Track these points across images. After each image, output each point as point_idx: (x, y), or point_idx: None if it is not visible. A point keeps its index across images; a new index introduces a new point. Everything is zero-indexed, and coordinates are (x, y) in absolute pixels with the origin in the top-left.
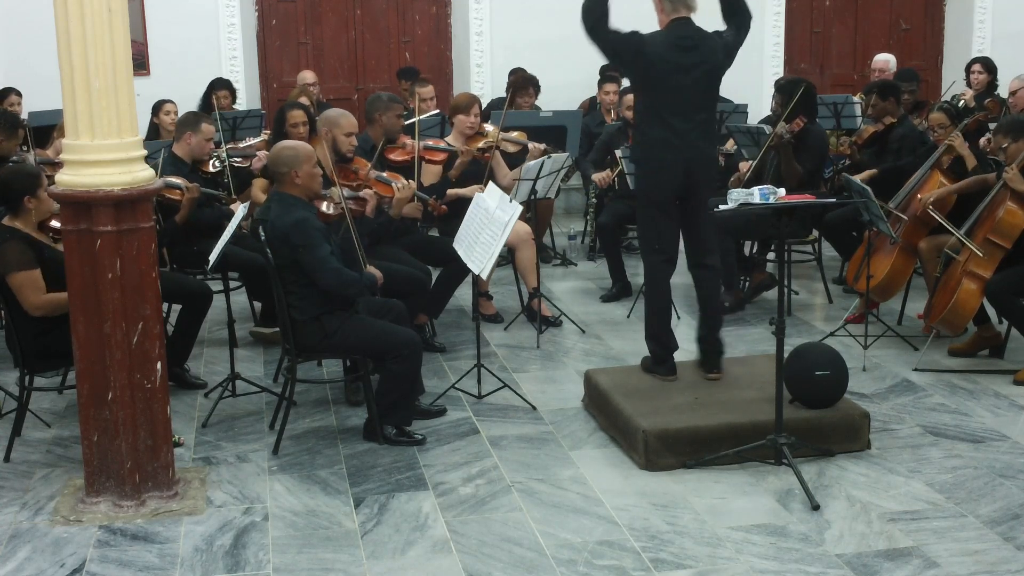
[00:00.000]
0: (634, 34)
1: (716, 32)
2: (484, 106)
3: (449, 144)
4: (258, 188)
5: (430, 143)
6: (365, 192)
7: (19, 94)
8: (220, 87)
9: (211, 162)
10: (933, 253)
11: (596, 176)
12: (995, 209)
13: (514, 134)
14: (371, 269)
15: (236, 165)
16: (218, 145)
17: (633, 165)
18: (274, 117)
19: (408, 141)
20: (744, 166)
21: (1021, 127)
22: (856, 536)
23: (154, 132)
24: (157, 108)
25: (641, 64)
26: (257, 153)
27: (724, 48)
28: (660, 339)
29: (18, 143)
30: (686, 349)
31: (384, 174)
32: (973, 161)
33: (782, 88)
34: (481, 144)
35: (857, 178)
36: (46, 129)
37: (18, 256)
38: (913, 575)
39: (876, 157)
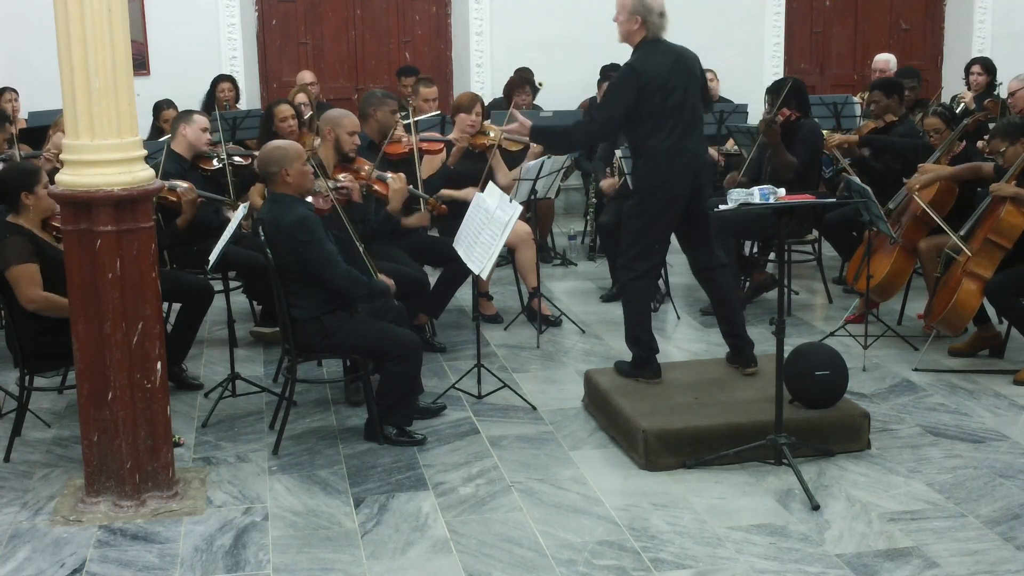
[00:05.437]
0: (629, 77)
1: (689, 50)
2: (486, 106)
3: (444, 136)
4: (256, 194)
5: (425, 135)
6: (344, 180)
7: (15, 91)
8: (222, 80)
9: (212, 160)
10: (933, 253)
11: (604, 183)
12: (995, 209)
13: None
14: (383, 278)
15: (237, 164)
16: (217, 145)
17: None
18: (262, 119)
19: (404, 135)
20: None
21: (1018, 130)
22: (856, 536)
23: (157, 135)
24: (157, 111)
25: (640, 90)
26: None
27: (698, 64)
28: (643, 342)
29: (5, 138)
30: (687, 349)
31: (386, 174)
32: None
33: (770, 88)
34: (482, 141)
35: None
36: (45, 129)
37: (17, 250)
38: (913, 575)
39: (875, 154)
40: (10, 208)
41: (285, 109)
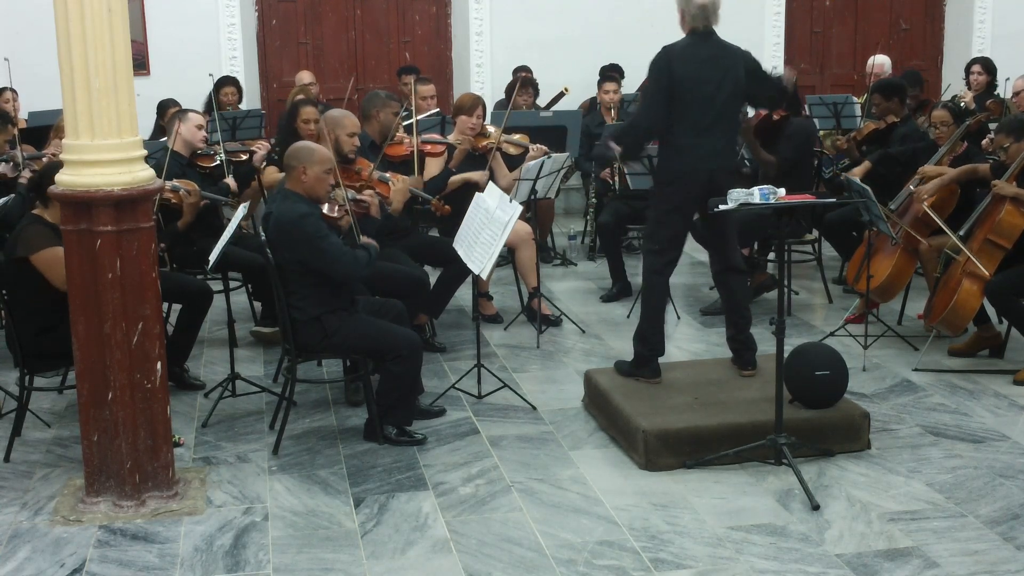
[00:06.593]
0: (662, 65)
1: (742, 50)
2: (489, 108)
3: (446, 139)
4: (271, 171)
5: (427, 137)
6: (366, 193)
7: (14, 91)
8: (226, 84)
9: (209, 157)
10: (933, 253)
11: (605, 174)
12: (995, 209)
13: (516, 136)
14: (365, 239)
15: (235, 160)
16: (215, 144)
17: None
18: (285, 113)
19: (406, 137)
20: None
21: (1022, 127)
22: (856, 536)
23: (160, 133)
24: (162, 110)
25: (669, 80)
26: (257, 144)
27: (746, 67)
28: (649, 341)
29: (7, 139)
30: (687, 349)
31: (387, 174)
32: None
33: None
34: (483, 143)
35: (857, 171)
36: (45, 129)
37: (40, 236)
38: (913, 575)
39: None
40: (40, 201)
41: (310, 111)
